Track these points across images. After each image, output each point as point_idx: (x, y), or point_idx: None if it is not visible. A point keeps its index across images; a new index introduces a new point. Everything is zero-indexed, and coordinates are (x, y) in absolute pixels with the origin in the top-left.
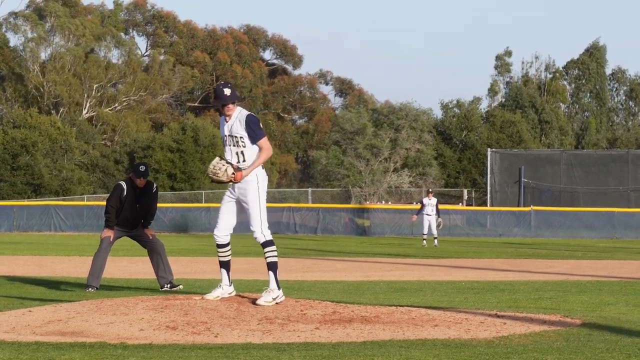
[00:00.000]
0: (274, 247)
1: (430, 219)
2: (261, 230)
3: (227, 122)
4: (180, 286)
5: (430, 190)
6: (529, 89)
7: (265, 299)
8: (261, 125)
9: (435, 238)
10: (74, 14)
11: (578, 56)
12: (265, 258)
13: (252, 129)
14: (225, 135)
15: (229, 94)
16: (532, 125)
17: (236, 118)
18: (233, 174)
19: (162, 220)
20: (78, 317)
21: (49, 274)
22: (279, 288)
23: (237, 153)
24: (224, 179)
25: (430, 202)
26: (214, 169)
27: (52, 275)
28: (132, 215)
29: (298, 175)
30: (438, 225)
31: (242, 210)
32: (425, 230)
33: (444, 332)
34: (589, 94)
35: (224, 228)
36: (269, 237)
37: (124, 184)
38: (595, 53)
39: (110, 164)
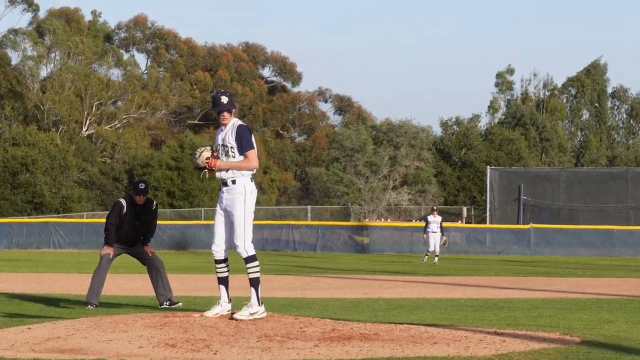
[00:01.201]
0: (256, 263)
1: (435, 237)
2: (244, 245)
3: (222, 131)
4: (180, 303)
5: (435, 207)
6: (529, 107)
7: (242, 313)
8: (252, 139)
9: (436, 256)
10: (75, 31)
11: (575, 74)
12: (248, 274)
13: (241, 139)
14: (219, 145)
15: (225, 102)
16: (532, 143)
17: (230, 128)
18: (208, 158)
19: (161, 238)
20: (77, 334)
21: (48, 291)
22: (260, 304)
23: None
24: (199, 162)
25: (435, 219)
26: (194, 151)
27: (51, 292)
28: (131, 232)
29: (297, 192)
30: (444, 244)
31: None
32: (431, 248)
33: (443, 349)
34: (586, 112)
35: (221, 242)
36: (252, 252)
37: (123, 201)
38: (592, 71)
39: (109, 181)
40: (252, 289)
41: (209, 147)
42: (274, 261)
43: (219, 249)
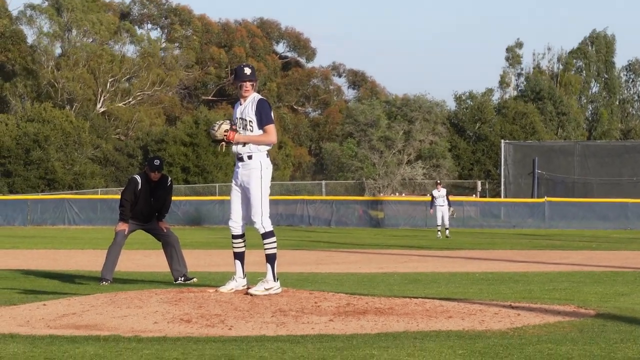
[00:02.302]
0: (273, 239)
1: (442, 210)
2: (261, 221)
3: (241, 104)
4: (194, 279)
5: (439, 181)
6: (545, 81)
7: (257, 288)
8: (272, 114)
9: (447, 229)
10: (92, 8)
11: (578, 45)
12: (265, 249)
13: (261, 113)
14: (237, 118)
15: (248, 73)
16: (549, 118)
17: (250, 102)
18: (226, 131)
19: (176, 214)
20: (92, 310)
21: (63, 268)
22: (275, 280)
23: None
24: (218, 135)
25: (440, 193)
26: (213, 123)
27: (66, 268)
28: (146, 208)
29: (312, 167)
30: (452, 215)
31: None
32: (439, 222)
33: (458, 323)
34: (595, 84)
35: (238, 217)
36: (270, 228)
37: (138, 177)
38: (596, 42)
39: (123, 158)
40: (268, 265)
41: (227, 121)
42: (289, 236)
43: (236, 225)
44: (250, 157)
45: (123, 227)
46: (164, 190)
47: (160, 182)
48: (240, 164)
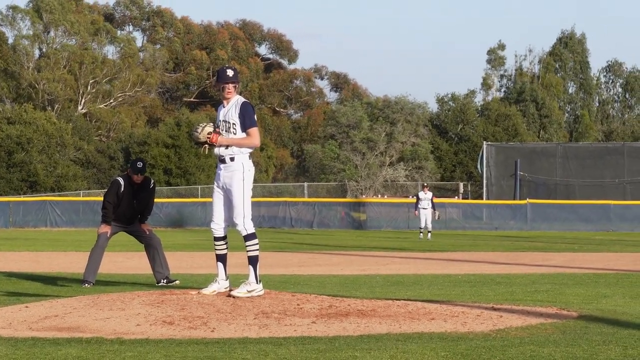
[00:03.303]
0: (255, 241)
1: (426, 213)
2: (243, 223)
3: (224, 107)
4: (177, 281)
5: (426, 184)
6: (527, 83)
7: (240, 291)
8: (255, 117)
9: (429, 232)
10: (72, 10)
11: (551, 47)
12: (247, 251)
13: (244, 116)
14: (220, 121)
15: (231, 75)
16: (531, 120)
17: (233, 104)
18: (209, 133)
19: (158, 216)
20: (74, 312)
21: (45, 270)
22: (258, 282)
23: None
24: (201, 137)
25: (426, 195)
26: (196, 125)
27: (48, 270)
28: (129, 211)
29: (293, 169)
30: (438, 218)
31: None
32: (422, 224)
33: (441, 325)
34: (571, 85)
35: (220, 219)
36: (252, 230)
37: (121, 180)
38: (569, 43)
39: (105, 160)
40: (251, 267)
41: (210, 123)
42: (271, 238)
43: (218, 227)
44: (232, 159)
45: (105, 229)
46: (147, 192)
47: (143, 185)
48: (222, 165)
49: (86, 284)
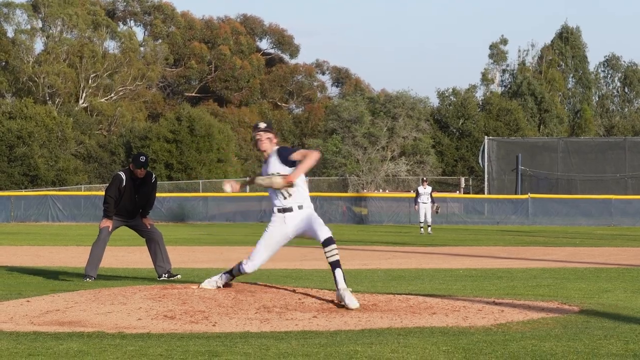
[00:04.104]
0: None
1: (426, 207)
2: (330, 231)
3: (266, 163)
4: (178, 275)
5: (425, 178)
6: (529, 78)
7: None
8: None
9: (429, 226)
10: (72, 2)
11: (550, 41)
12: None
13: (285, 156)
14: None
15: (263, 127)
16: (530, 114)
17: (271, 156)
18: (284, 178)
19: (159, 210)
20: (76, 306)
21: (46, 264)
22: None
23: (281, 190)
24: (279, 185)
25: (425, 190)
26: (268, 182)
27: (49, 265)
28: (131, 205)
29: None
30: (437, 211)
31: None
32: (422, 219)
33: (442, 319)
34: (571, 79)
35: (264, 262)
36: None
37: (123, 174)
38: (570, 38)
39: (107, 154)
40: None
41: (269, 175)
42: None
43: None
44: (300, 207)
45: (107, 223)
46: (149, 187)
47: (145, 179)
48: (288, 214)
49: (88, 279)
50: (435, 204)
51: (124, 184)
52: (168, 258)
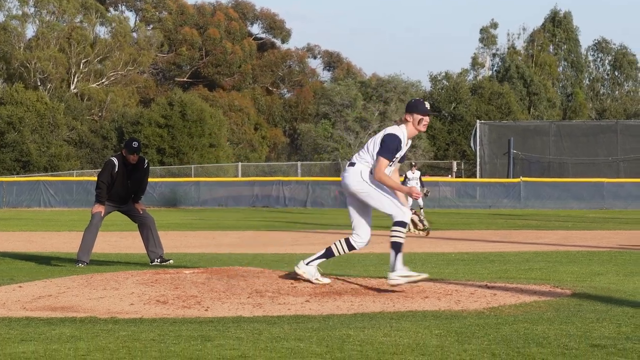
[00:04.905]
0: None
1: None
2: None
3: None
4: (171, 260)
5: (414, 163)
6: (517, 61)
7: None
8: (388, 144)
9: (421, 208)
10: None
11: (542, 25)
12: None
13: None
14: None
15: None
16: (520, 97)
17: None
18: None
19: (151, 195)
20: (68, 292)
21: (39, 250)
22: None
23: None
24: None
25: (414, 175)
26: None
27: (42, 250)
28: (123, 191)
29: (287, 148)
30: (426, 194)
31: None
32: (410, 203)
33: (435, 303)
34: (563, 63)
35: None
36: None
37: (115, 159)
38: (563, 21)
39: (99, 139)
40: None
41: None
42: (265, 217)
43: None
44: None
45: (99, 209)
46: (141, 172)
47: (137, 164)
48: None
49: (80, 264)
50: (425, 188)
51: (117, 169)
52: (160, 243)
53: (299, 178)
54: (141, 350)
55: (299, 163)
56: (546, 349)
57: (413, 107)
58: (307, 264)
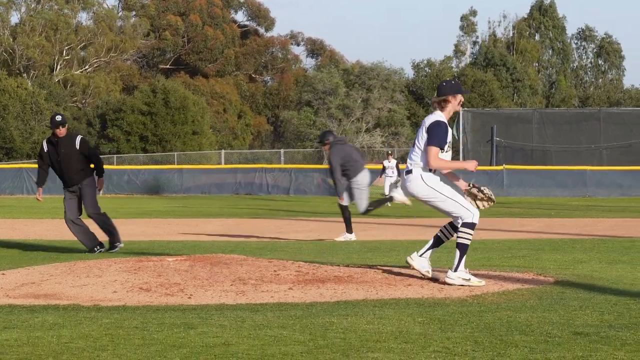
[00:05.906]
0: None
1: (391, 180)
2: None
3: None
4: (104, 249)
5: (390, 152)
6: (499, 48)
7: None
8: (437, 131)
9: (390, 197)
10: None
11: (528, 13)
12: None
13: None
14: (449, 141)
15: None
16: (504, 84)
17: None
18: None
19: (134, 182)
20: (51, 279)
21: (22, 237)
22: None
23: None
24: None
25: (390, 164)
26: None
27: (25, 238)
28: (59, 170)
29: (270, 136)
30: (396, 183)
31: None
32: (387, 192)
33: (418, 291)
34: (551, 51)
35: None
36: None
37: (44, 141)
38: (549, 10)
39: (82, 126)
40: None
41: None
42: (248, 205)
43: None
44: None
45: (38, 192)
46: (72, 148)
47: (66, 141)
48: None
49: (98, 248)
50: (398, 177)
51: (46, 149)
52: (117, 232)
53: (282, 165)
54: (124, 338)
55: (281, 150)
56: (529, 336)
57: (456, 87)
58: (420, 256)
